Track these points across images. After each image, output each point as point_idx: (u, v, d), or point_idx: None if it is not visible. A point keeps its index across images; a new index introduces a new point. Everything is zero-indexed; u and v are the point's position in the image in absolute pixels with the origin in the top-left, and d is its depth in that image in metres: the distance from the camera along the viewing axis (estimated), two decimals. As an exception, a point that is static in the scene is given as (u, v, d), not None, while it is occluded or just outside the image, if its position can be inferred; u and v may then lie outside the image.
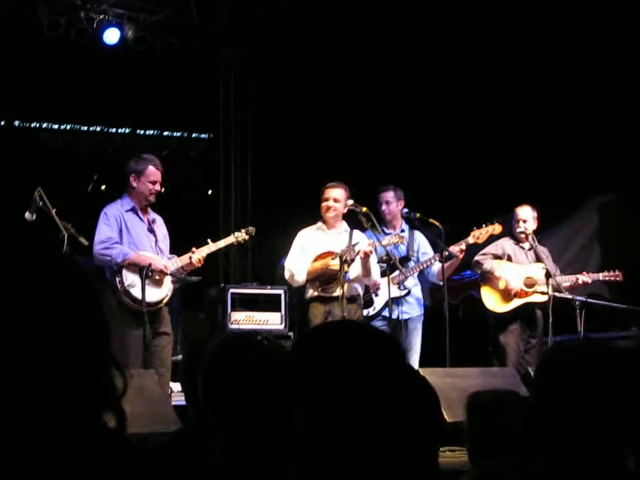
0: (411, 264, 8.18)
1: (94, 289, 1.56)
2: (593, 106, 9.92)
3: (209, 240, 7.46)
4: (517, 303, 8.26)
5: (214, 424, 2.69)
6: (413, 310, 8.15)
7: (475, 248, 8.45)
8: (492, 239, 8.31)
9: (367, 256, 7.53)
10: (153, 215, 7.38)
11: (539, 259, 8.34)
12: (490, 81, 10.46)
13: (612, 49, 9.69)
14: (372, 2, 10.58)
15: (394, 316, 7.86)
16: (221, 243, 7.59)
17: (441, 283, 8.06)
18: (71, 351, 1.46)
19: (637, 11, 9.29)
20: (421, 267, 8.14)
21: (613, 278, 8.37)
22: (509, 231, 8.52)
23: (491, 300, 8.33)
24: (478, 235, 8.05)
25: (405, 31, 10.71)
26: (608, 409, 1.96)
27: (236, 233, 7.69)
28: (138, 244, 7.16)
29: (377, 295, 8.01)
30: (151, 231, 7.28)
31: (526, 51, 10.18)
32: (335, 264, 7.50)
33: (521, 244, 8.46)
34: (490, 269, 8.32)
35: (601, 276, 8.37)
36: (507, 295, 8.28)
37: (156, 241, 7.26)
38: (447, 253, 7.77)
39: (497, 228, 8.12)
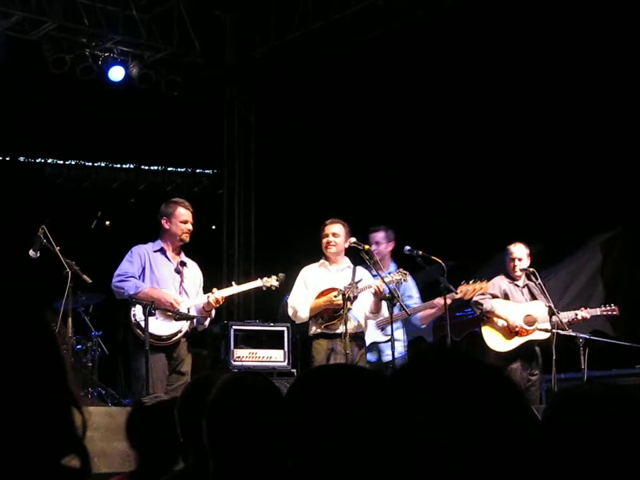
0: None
1: (45, 328, 1.56)
2: (596, 143, 9.94)
3: (233, 282, 7.53)
4: (518, 341, 8.23)
5: (216, 463, 2.68)
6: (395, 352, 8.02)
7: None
8: None
9: (378, 292, 7.49)
10: (185, 258, 7.53)
11: (533, 296, 8.35)
12: (492, 117, 10.50)
13: (613, 86, 9.74)
14: (369, 38, 10.70)
15: (374, 359, 8.01)
16: (246, 287, 7.63)
17: (423, 326, 8.23)
18: (23, 392, 1.46)
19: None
20: (413, 312, 8.07)
21: (610, 312, 8.34)
22: (503, 270, 8.49)
23: (493, 340, 8.31)
24: (465, 290, 7.99)
25: (404, 64, 10.80)
26: (615, 454, 1.95)
27: (265, 278, 7.59)
28: (161, 282, 7.31)
29: None
30: (178, 272, 7.41)
31: (527, 87, 10.23)
32: (338, 299, 7.48)
33: (515, 282, 8.45)
34: (490, 309, 8.29)
35: (598, 311, 8.34)
36: (508, 334, 8.26)
37: (181, 282, 7.38)
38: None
39: (484, 285, 8.09)
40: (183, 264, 7.46)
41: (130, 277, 7.18)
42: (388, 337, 7.88)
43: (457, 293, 7.88)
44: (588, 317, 8.27)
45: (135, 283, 7.15)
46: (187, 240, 7.43)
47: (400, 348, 8.06)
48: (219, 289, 7.39)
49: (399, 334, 8.10)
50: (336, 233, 7.78)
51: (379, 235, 8.41)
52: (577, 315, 8.21)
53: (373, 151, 11.47)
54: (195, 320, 7.34)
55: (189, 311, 7.26)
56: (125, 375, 9.00)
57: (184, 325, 7.24)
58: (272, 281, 7.58)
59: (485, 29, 10.03)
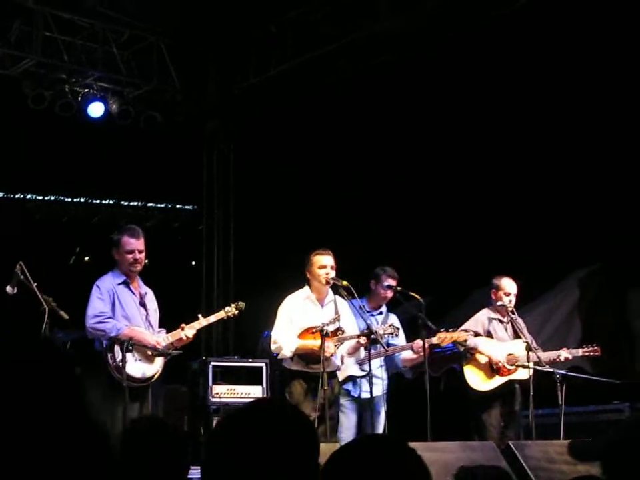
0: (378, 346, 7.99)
1: (70, 370, 1.57)
2: (575, 180, 9.99)
3: (199, 315, 7.47)
4: (499, 381, 8.20)
5: None
6: (375, 389, 7.80)
7: (461, 318, 8.44)
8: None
9: (362, 346, 7.55)
10: (144, 288, 7.41)
11: (516, 333, 8.33)
12: (473, 153, 10.56)
13: (594, 124, 9.80)
14: (347, 76, 10.77)
15: (355, 394, 8.00)
16: (212, 318, 7.59)
17: (404, 370, 8.28)
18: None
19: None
20: (392, 352, 8.09)
21: (592, 353, 8.36)
22: (488, 303, 8.47)
23: (474, 378, 8.26)
24: (443, 337, 7.98)
25: (380, 103, 10.88)
26: None
27: (227, 308, 7.68)
28: (130, 317, 7.16)
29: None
30: (142, 304, 7.28)
31: (508, 124, 10.29)
32: (328, 348, 7.37)
33: (499, 317, 8.41)
34: (473, 346, 8.26)
35: (580, 352, 8.35)
36: (489, 372, 8.23)
37: (147, 315, 7.26)
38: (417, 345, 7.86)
39: (461, 335, 8.09)
40: (144, 295, 7.34)
41: (108, 317, 7.00)
42: (365, 372, 7.87)
43: (436, 335, 7.90)
44: (570, 357, 8.29)
45: (115, 324, 6.99)
46: (136, 270, 7.21)
47: (380, 386, 8.08)
48: (187, 323, 7.32)
49: (380, 372, 8.11)
50: (333, 265, 7.70)
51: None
52: (559, 355, 8.20)
53: (352, 187, 11.52)
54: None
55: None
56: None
57: (160, 367, 7.17)
58: (232, 310, 7.67)
59: (471, 67, 10.14)
